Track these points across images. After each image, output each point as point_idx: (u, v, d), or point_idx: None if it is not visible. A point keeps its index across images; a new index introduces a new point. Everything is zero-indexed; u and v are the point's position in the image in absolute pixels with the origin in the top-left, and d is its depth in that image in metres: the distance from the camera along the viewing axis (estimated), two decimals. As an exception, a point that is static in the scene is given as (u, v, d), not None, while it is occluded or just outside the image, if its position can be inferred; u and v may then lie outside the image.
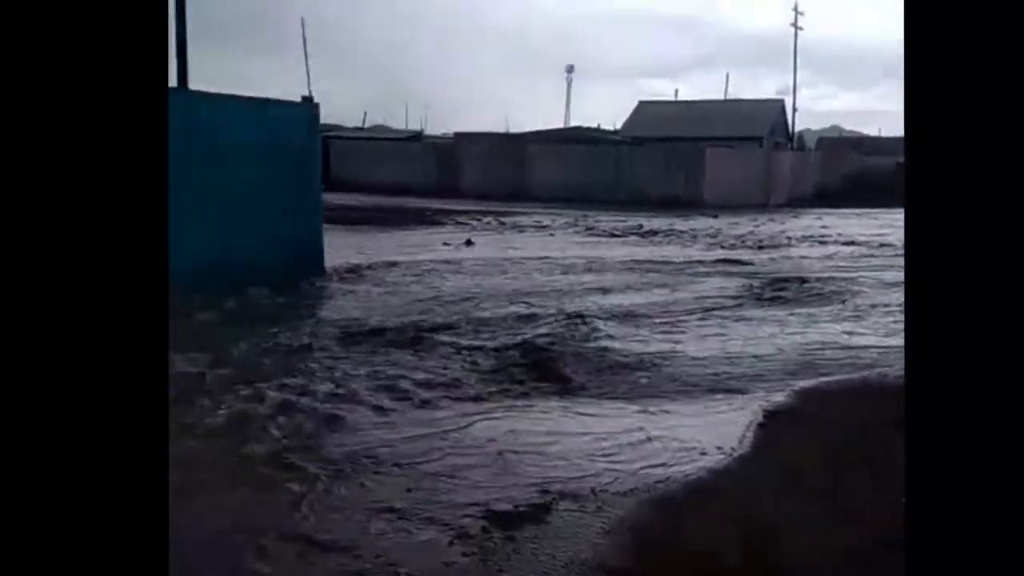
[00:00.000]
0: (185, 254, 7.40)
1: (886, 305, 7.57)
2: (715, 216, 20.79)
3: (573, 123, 41.29)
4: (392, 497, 3.14)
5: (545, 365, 5.13)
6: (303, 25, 35.75)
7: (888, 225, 17.39)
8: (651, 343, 5.92)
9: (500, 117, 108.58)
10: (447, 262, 10.48)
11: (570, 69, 55.95)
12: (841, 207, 26.05)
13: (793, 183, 30.13)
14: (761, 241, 14.86)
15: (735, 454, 3.71)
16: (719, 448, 3.76)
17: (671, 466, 3.53)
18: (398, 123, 47.21)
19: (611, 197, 25.64)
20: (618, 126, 40.14)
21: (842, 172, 34.86)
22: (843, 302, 7.88)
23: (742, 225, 18.41)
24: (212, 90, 8.39)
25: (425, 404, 4.37)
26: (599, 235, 15.69)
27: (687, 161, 26.74)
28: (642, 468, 3.51)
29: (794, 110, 39.13)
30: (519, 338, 5.88)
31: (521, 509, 3.04)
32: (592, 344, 5.79)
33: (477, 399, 4.47)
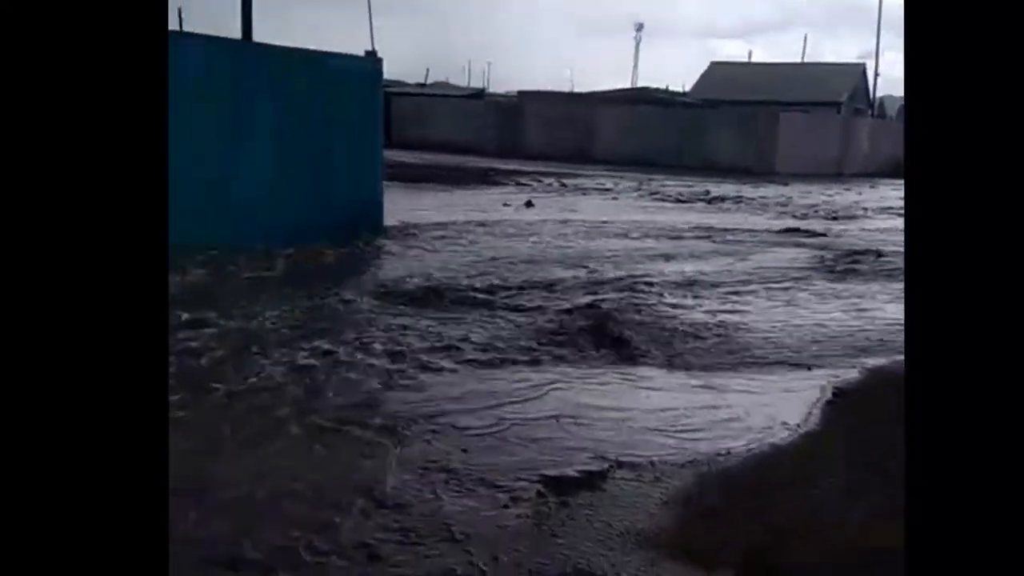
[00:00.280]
0: (243, 211, 7.55)
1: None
2: (786, 184, 20.11)
3: (641, 84, 40.13)
4: (448, 458, 3.14)
5: (606, 331, 5.04)
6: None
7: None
8: (716, 313, 5.77)
9: (565, 76, 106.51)
10: (507, 223, 10.41)
11: (639, 27, 54.28)
12: (922, 178, 24.86)
13: (871, 151, 28.82)
14: (835, 211, 14.30)
15: (801, 431, 3.60)
16: (784, 424, 3.65)
17: (733, 439, 3.45)
18: (461, 80, 46.86)
19: (678, 161, 24.99)
20: (687, 88, 38.97)
21: (924, 141, 33.17)
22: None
23: (814, 194, 17.77)
24: (275, 43, 8.41)
25: (484, 366, 4.35)
26: (664, 200, 15.35)
27: (760, 125, 25.73)
28: (703, 439, 3.44)
29: (876, 75, 37.54)
30: (580, 303, 5.80)
31: (577, 475, 3.00)
32: (655, 311, 5.68)
33: (536, 363, 4.43)
